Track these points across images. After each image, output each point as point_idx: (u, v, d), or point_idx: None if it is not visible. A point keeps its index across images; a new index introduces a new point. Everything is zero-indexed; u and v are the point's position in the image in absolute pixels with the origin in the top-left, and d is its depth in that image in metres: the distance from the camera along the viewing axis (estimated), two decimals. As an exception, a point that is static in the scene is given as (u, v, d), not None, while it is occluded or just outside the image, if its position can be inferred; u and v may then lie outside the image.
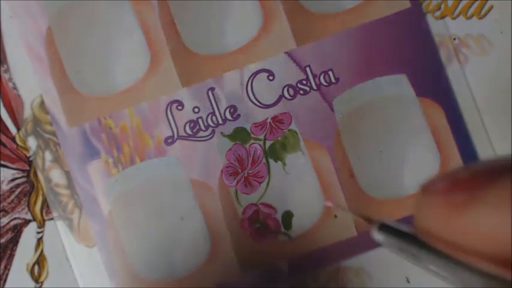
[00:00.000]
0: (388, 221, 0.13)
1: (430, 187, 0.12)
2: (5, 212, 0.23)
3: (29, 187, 0.23)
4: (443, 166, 0.23)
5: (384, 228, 0.13)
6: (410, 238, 0.12)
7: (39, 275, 0.23)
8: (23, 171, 0.23)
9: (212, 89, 0.23)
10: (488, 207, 0.11)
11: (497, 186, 0.11)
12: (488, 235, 0.11)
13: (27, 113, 0.23)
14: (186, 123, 0.23)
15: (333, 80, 0.23)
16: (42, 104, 0.23)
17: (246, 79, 0.23)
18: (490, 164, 0.12)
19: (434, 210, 0.12)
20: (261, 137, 0.23)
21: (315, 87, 0.23)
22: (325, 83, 0.23)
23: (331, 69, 0.23)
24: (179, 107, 0.23)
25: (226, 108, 0.23)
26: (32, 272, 0.23)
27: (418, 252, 0.12)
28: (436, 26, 0.23)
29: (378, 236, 0.13)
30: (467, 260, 0.11)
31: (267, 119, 0.23)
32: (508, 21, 0.23)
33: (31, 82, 0.23)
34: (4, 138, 0.23)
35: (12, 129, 0.23)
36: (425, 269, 0.12)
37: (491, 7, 0.23)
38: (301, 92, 0.23)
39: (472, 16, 0.23)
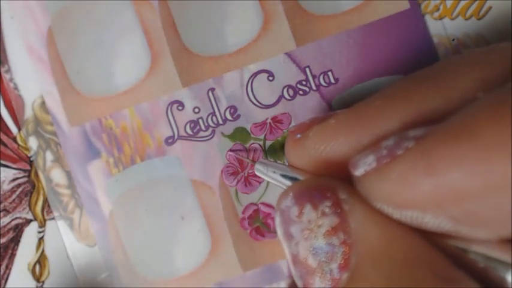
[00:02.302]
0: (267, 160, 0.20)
1: (289, 129, 0.17)
2: (6, 211, 0.23)
3: (30, 187, 0.23)
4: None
5: (263, 164, 0.19)
6: (282, 168, 0.18)
7: (41, 274, 0.23)
8: (24, 171, 0.23)
9: (212, 89, 0.23)
10: (312, 140, 0.16)
11: (319, 126, 0.16)
12: (312, 159, 0.16)
13: (28, 113, 0.23)
14: (187, 123, 0.23)
15: (333, 81, 0.23)
16: (43, 104, 0.23)
17: (246, 80, 0.23)
18: (323, 115, 0.17)
19: (288, 145, 0.17)
20: (261, 137, 0.23)
21: (314, 87, 0.23)
22: (324, 84, 0.23)
23: (330, 70, 0.23)
24: (179, 107, 0.23)
25: (227, 108, 0.23)
26: (33, 271, 0.23)
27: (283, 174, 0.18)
28: (435, 27, 0.23)
29: (258, 171, 0.19)
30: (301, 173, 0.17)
31: (266, 119, 0.23)
32: (506, 22, 0.23)
33: (32, 83, 0.23)
34: (5, 138, 0.23)
35: (13, 129, 0.23)
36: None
37: (490, 8, 0.23)
38: (301, 92, 0.23)
39: (470, 17, 0.23)
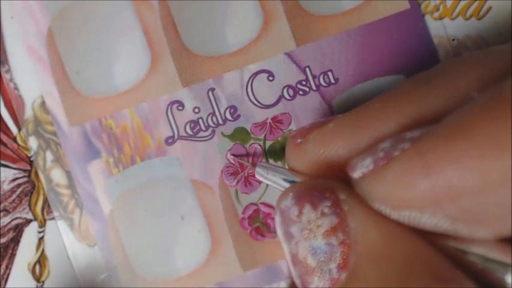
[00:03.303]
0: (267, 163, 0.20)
1: (290, 134, 0.18)
2: (6, 211, 0.23)
3: (30, 187, 0.23)
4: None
5: (263, 167, 0.19)
6: (282, 172, 0.18)
7: (41, 274, 0.23)
8: (24, 171, 0.23)
9: (212, 89, 0.23)
10: (312, 144, 0.16)
11: (318, 130, 0.16)
12: (311, 162, 0.16)
13: (28, 113, 0.23)
14: (187, 123, 0.23)
15: (332, 81, 0.23)
16: (43, 104, 0.23)
17: (246, 80, 0.23)
18: (323, 120, 0.17)
19: (288, 150, 0.17)
20: (261, 137, 0.23)
21: (314, 87, 0.23)
22: (324, 84, 0.23)
23: (330, 70, 0.23)
24: (179, 107, 0.23)
25: (227, 108, 0.23)
26: (33, 271, 0.23)
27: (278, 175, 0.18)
28: (435, 27, 0.23)
29: (258, 174, 0.19)
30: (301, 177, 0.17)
31: (266, 119, 0.23)
32: (506, 22, 0.23)
33: (32, 82, 0.23)
34: (5, 138, 0.23)
35: (14, 129, 0.23)
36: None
37: (490, 8, 0.23)
38: (301, 92, 0.23)
39: (470, 17, 0.23)
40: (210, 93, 0.23)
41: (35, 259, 0.23)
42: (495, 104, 0.13)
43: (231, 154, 0.23)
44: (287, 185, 0.18)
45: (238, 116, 0.23)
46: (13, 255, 0.23)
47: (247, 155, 0.23)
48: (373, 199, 0.14)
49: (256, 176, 0.19)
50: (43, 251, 0.23)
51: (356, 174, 0.15)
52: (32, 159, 0.23)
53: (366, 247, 0.14)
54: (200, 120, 0.23)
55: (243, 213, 0.23)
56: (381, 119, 0.15)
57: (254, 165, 0.20)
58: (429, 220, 0.14)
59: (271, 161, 0.23)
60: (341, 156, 0.16)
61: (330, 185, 0.15)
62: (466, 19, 0.23)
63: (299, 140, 0.17)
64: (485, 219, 0.13)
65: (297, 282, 0.15)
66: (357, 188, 0.15)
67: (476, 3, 0.23)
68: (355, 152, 0.15)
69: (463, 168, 0.13)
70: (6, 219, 0.23)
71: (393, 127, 0.15)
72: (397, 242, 0.14)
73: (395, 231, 0.14)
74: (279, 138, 0.23)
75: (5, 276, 0.23)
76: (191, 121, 0.23)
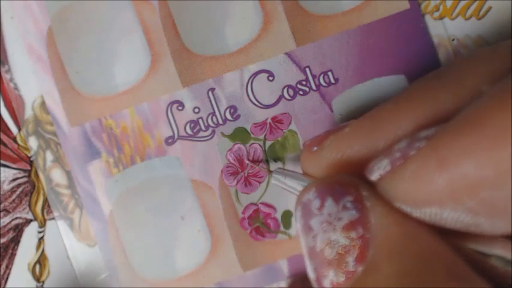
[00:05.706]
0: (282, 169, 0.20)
1: (304, 143, 0.18)
2: (6, 211, 0.23)
3: (30, 187, 0.23)
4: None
5: (280, 173, 0.19)
6: (299, 177, 0.19)
7: (41, 274, 0.23)
8: (24, 171, 0.23)
9: (212, 89, 0.23)
10: (328, 150, 0.17)
11: (334, 136, 0.17)
12: (328, 166, 0.17)
13: (28, 113, 0.23)
14: (187, 123, 0.23)
15: (332, 81, 0.23)
16: (43, 104, 0.23)
17: (246, 79, 0.23)
18: (338, 126, 0.18)
19: (303, 157, 0.18)
20: (261, 137, 0.23)
21: (314, 87, 0.23)
22: (324, 84, 0.23)
23: (330, 70, 0.23)
24: (180, 107, 0.23)
25: (227, 108, 0.23)
26: (33, 272, 0.23)
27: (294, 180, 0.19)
28: (435, 27, 0.23)
29: (275, 179, 0.19)
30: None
31: (266, 119, 0.23)
32: (506, 22, 0.23)
33: (32, 82, 0.23)
34: (5, 138, 0.23)
35: (14, 129, 0.23)
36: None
37: (490, 8, 0.23)
38: (301, 92, 0.23)
39: (470, 17, 0.23)
40: (210, 93, 0.23)
41: (35, 259, 0.23)
42: (506, 94, 0.13)
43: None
44: None
45: (238, 116, 0.23)
46: (13, 255, 0.23)
47: (248, 153, 0.23)
48: (394, 199, 0.15)
49: (272, 181, 0.19)
50: (43, 251, 0.23)
51: (374, 176, 0.15)
52: (32, 159, 0.23)
53: (385, 243, 0.14)
54: (200, 120, 0.23)
55: (243, 213, 0.23)
56: (395, 121, 0.16)
57: (271, 171, 0.20)
58: (450, 215, 0.14)
59: (270, 160, 0.23)
60: (358, 159, 0.16)
61: (352, 181, 0.15)
62: (466, 19, 0.23)
63: (315, 148, 0.17)
64: (504, 209, 0.13)
65: (312, 275, 0.15)
66: (378, 189, 0.15)
67: (476, 3, 0.23)
68: (371, 155, 0.16)
69: (477, 160, 0.13)
70: (6, 219, 0.23)
71: (408, 128, 0.15)
72: (416, 240, 0.14)
73: (415, 230, 0.14)
74: (279, 138, 0.23)
75: (5, 276, 0.23)
76: (191, 121, 0.23)
